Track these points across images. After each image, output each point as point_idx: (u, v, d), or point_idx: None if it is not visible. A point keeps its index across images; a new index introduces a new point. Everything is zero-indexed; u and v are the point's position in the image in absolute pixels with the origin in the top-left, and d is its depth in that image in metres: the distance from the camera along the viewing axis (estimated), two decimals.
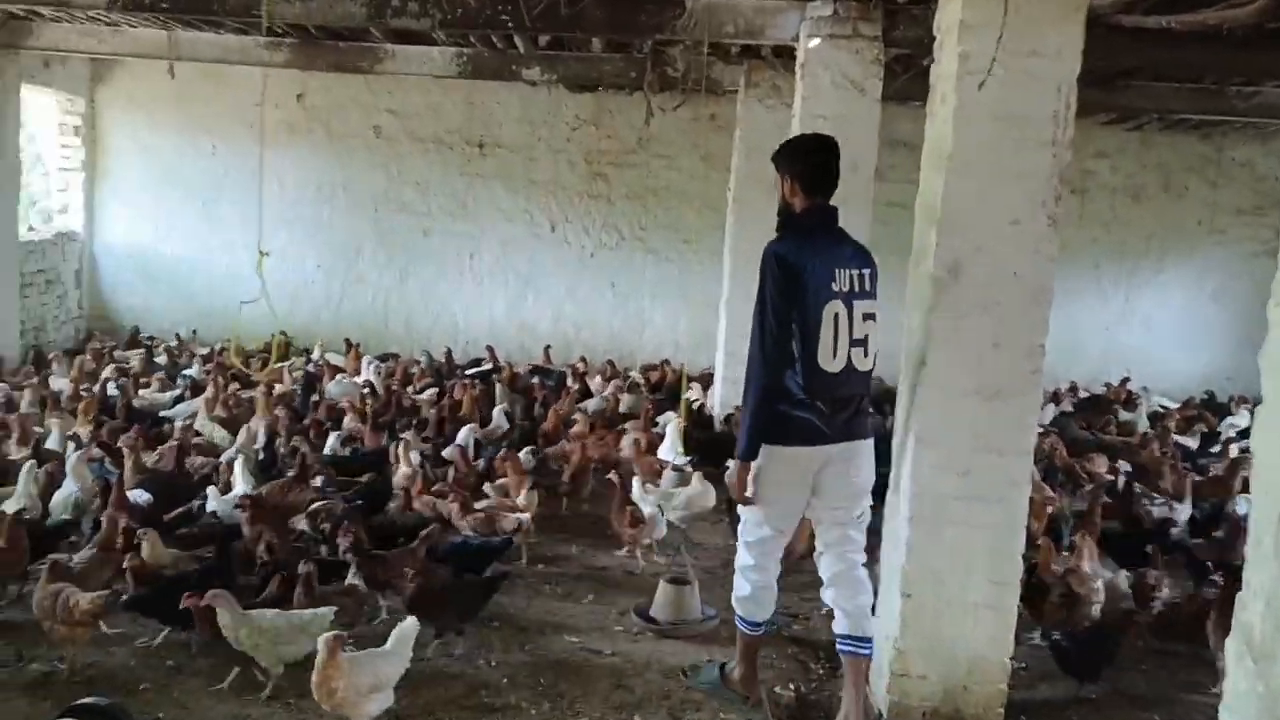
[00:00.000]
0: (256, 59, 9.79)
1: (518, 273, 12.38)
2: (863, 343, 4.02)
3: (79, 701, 3.68)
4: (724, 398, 9.41)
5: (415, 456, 6.92)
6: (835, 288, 3.95)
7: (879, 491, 4.38)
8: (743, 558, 4.35)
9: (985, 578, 4.27)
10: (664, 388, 10.47)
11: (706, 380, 10.67)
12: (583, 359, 11.56)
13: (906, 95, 8.54)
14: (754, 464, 4.09)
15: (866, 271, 4.08)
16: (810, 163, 4.15)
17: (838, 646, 4.28)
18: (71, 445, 6.74)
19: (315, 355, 10.84)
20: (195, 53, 9.70)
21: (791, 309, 3.92)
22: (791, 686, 4.77)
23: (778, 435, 4.02)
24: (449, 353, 11.28)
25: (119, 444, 6.65)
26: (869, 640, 4.21)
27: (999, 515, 4.25)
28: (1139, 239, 12.34)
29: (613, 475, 6.58)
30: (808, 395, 3.96)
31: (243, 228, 11.95)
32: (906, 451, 4.34)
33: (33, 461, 6.07)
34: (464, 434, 7.73)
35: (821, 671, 4.95)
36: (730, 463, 5.60)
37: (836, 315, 3.94)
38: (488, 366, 10.96)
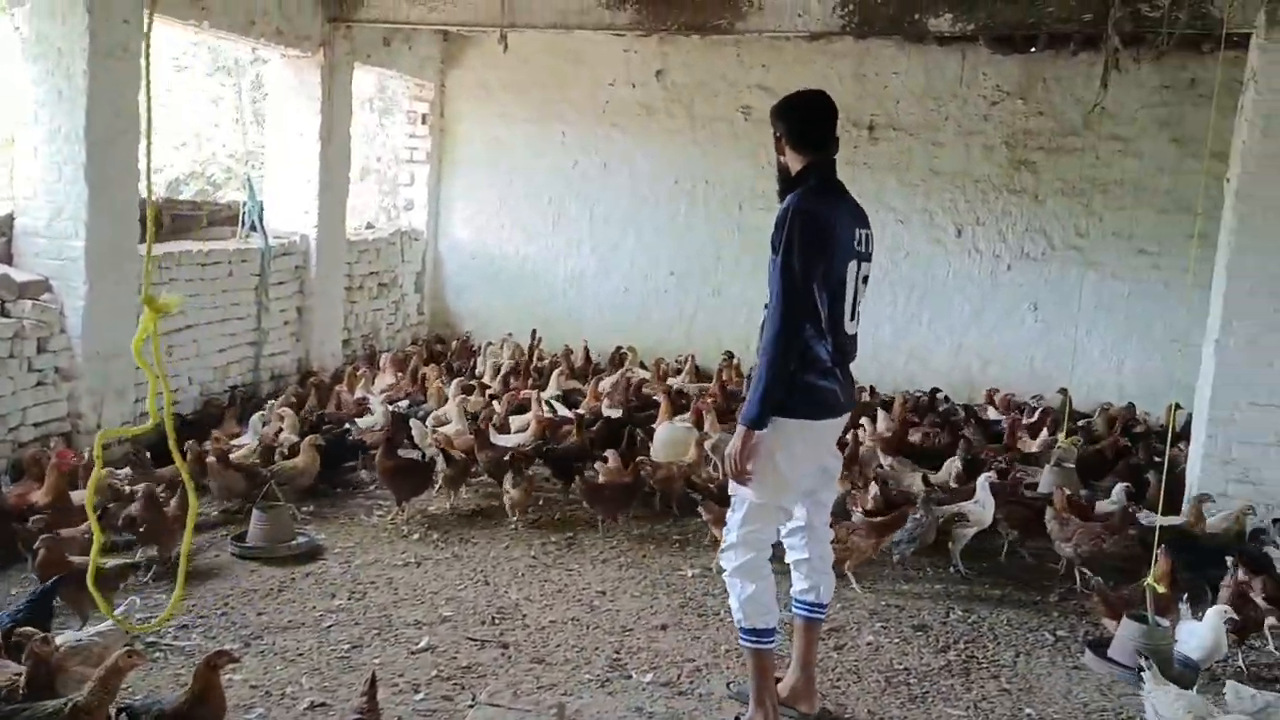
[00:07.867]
0: (597, 21, 8.06)
1: (910, 287, 9.85)
2: (858, 305, 3.81)
3: None
4: (1202, 478, 6.56)
5: None
6: (855, 247, 3.72)
7: None
8: (739, 552, 3.80)
9: None
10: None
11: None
12: (996, 398, 8.93)
13: None
14: (761, 436, 3.65)
15: (870, 232, 3.85)
16: (801, 118, 3.82)
17: (807, 614, 4.04)
18: None
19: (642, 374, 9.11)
20: (530, 18, 8.18)
21: (819, 268, 3.59)
22: None
23: (805, 408, 3.71)
24: None
25: None
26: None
27: None
28: None
29: None
30: (834, 363, 3.72)
31: (589, 225, 10.50)
32: None
33: None
34: None
35: None
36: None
37: (855, 275, 3.71)
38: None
